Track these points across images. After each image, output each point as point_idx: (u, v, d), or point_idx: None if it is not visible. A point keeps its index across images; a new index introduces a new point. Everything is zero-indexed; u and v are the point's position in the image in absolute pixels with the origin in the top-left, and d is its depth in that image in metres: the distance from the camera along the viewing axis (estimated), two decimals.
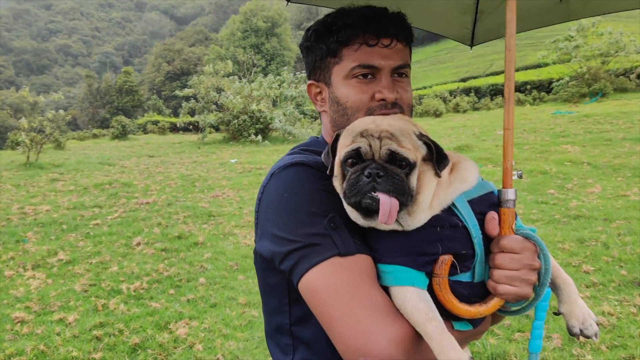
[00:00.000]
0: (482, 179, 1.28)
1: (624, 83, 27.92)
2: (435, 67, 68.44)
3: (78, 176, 14.39)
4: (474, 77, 47.42)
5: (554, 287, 1.29)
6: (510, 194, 1.25)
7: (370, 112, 1.32)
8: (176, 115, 47.27)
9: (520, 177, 1.31)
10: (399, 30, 1.35)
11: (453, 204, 1.18)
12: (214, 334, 4.79)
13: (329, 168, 1.21)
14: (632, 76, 28.38)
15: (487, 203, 1.24)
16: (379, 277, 1.18)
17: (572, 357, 4.07)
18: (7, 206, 10.33)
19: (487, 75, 48.75)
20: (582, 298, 4.23)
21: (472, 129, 20.67)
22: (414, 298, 1.11)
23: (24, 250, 7.40)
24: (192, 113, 29.20)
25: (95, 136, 36.13)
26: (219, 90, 26.39)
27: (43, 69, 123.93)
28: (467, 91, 36.72)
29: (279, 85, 26.66)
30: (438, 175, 1.16)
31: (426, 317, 1.09)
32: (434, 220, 1.17)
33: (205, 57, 77.42)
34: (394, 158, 1.12)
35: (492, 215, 1.20)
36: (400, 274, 1.14)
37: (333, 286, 1.13)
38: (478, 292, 1.20)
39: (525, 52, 54.88)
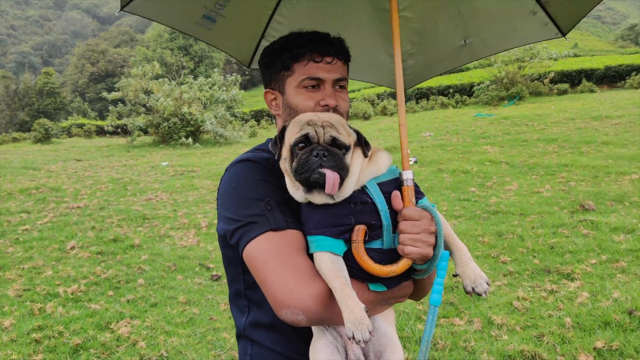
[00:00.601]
0: (395, 168, 1.57)
1: (538, 87, 29.75)
2: None
3: (1, 181, 13.87)
4: None
5: (451, 253, 1.54)
6: (408, 174, 1.52)
7: None
8: (102, 118, 45.93)
9: (415, 162, 1.62)
10: (338, 51, 1.68)
11: (365, 186, 1.47)
12: (156, 332, 4.92)
13: (277, 154, 1.48)
14: (546, 81, 30.26)
15: (394, 185, 1.52)
16: (308, 246, 1.47)
17: (491, 338, 4.50)
18: None
19: None
20: (499, 286, 4.66)
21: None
22: (327, 261, 1.39)
23: None
24: (119, 116, 28.56)
25: (15, 140, 34.57)
26: (148, 92, 26.00)
27: None
28: (393, 94, 37.79)
29: (210, 87, 26.56)
30: (365, 155, 1.47)
31: (334, 275, 1.37)
32: (349, 198, 1.44)
33: (131, 58, 75.53)
34: (335, 142, 1.42)
35: (395, 193, 1.48)
36: (321, 242, 1.42)
37: (265, 254, 1.43)
38: (389, 258, 1.46)
39: None
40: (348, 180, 1.43)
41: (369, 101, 35.43)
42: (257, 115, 39.29)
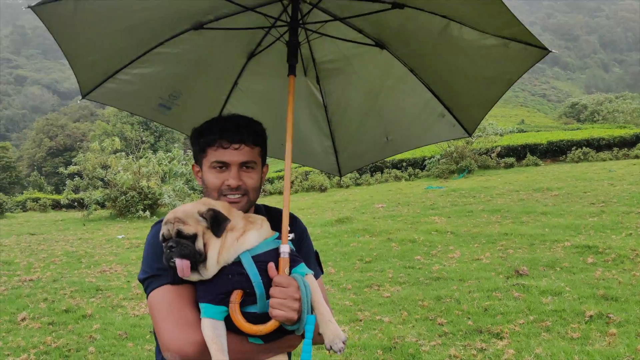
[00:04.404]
0: (275, 239, 1.86)
1: (486, 161, 31.28)
2: None
3: None
4: None
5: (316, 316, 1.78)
6: (284, 248, 1.79)
7: (221, 192, 1.96)
8: (58, 192, 45.35)
9: (293, 239, 2.01)
10: (246, 138, 1.98)
11: (239, 259, 1.75)
12: None
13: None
14: (493, 155, 31.86)
15: (274, 254, 1.80)
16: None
17: None
18: None
19: None
20: (434, 345, 5.15)
21: (354, 202, 22.09)
22: (208, 327, 1.70)
23: None
24: (76, 190, 28.47)
25: None
26: (106, 167, 26.18)
27: None
28: None
29: (169, 161, 26.94)
30: (217, 236, 1.73)
31: (212, 341, 1.68)
32: (226, 270, 1.72)
33: (91, 133, 75.44)
34: (180, 234, 1.71)
35: (270, 264, 1.75)
36: (205, 310, 1.71)
37: (160, 304, 1.77)
38: (263, 320, 1.72)
39: None
40: (208, 261, 1.70)
41: (325, 174, 36.28)
42: None
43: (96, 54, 2.17)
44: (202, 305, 1.73)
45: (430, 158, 34.06)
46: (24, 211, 36.24)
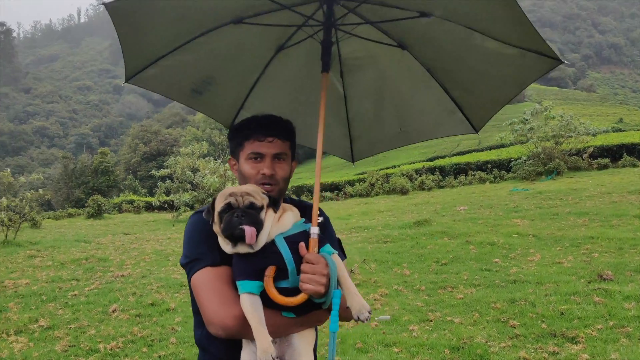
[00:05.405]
0: (303, 223, 2.07)
1: (577, 162, 29.82)
2: (406, 148, 70.93)
3: (55, 253, 14.92)
4: (441, 157, 49.52)
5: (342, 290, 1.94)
6: (314, 230, 1.98)
7: (257, 181, 2.15)
8: (152, 194, 47.78)
9: (322, 222, 2.15)
10: (279, 133, 2.20)
11: (274, 240, 1.93)
12: None
13: (210, 220, 2.01)
14: (585, 156, 30.33)
15: (304, 236, 1.98)
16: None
17: None
18: None
19: (454, 155, 50.88)
20: (504, 347, 5.13)
21: (435, 205, 21.82)
22: (246, 301, 1.88)
23: (7, 319, 7.96)
24: (167, 192, 29.97)
25: (70, 215, 36.40)
26: (195, 170, 27.39)
27: (19, 151, 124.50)
28: (432, 170, 38.35)
29: None
30: (275, 211, 1.97)
31: (251, 314, 1.86)
32: (263, 251, 1.90)
33: (182, 138, 78.99)
34: (252, 205, 1.92)
35: (301, 244, 1.93)
36: (243, 286, 1.88)
37: (202, 283, 1.97)
38: (294, 294, 1.89)
39: (490, 133, 57.39)
40: (262, 232, 1.91)
41: (407, 176, 36.04)
42: (298, 191, 40.23)
43: (146, 42, 2.39)
44: (239, 283, 1.91)
45: (516, 159, 32.99)
46: (119, 212, 38.52)
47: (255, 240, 1.89)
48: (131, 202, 41.21)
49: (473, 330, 6.42)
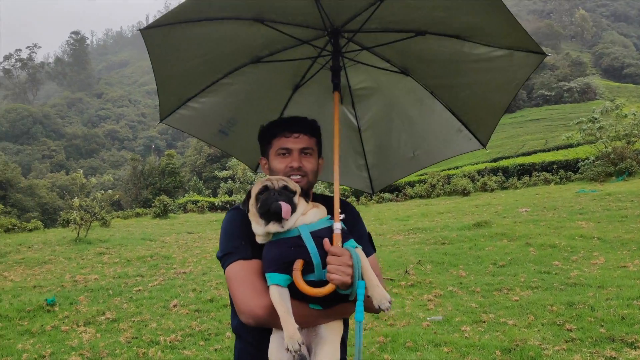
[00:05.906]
0: (328, 219, 2.16)
1: None
2: None
3: (122, 250, 15.65)
4: (506, 157, 48.18)
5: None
6: (337, 225, 2.09)
7: (286, 174, 2.29)
8: (215, 195, 48.91)
9: (344, 218, 2.21)
10: (304, 129, 2.36)
11: (299, 233, 2.06)
12: None
13: (246, 209, 2.17)
14: None
15: (328, 230, 2.10)
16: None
17: None
18: (60, 275, 11.58)
19: (518, 155, 49.44)
20: (558, 350, 5.07)
21: (496, 206, 21.36)
22: (275, 292, 2.01)
23: (77, 310, 8.45)
24: (229, 193, 30.70)
25: (138, 215, 37.81)
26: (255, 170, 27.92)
27: (91, 153, 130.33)
28: (495, 171, 37.42)
29: None
30: (306, 201, 2.15)
31: (279, 304, 1.98)
32: (288, 242, 2.04)
33: None
34: (286, 187, 2.12)
35: (325, 239, 2.05)
36: (271, 278, 2.01)
37: (235, 275, 2.11)
38: (320, 286, 2.00)
39: (557, 133, 55.51)
40: (294, 214, 2.07)
41: (469, 177, 35.37)
42: (358, 192, 40.17)
43: (176, 82, 2.56)
44: (268, 275, 2.05)
45: (584, 160, 31.72)
46: (184, 212, 39.66)
47: (289, 217, 2.04)
48: (195, 202, 42.34)
49: (527, 332, 6.32)
